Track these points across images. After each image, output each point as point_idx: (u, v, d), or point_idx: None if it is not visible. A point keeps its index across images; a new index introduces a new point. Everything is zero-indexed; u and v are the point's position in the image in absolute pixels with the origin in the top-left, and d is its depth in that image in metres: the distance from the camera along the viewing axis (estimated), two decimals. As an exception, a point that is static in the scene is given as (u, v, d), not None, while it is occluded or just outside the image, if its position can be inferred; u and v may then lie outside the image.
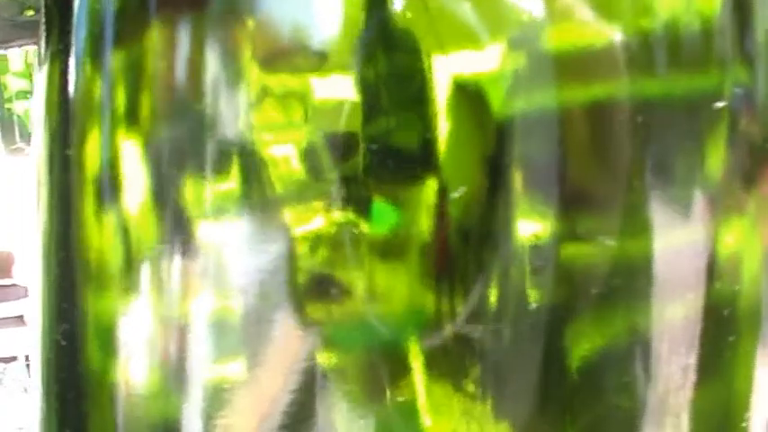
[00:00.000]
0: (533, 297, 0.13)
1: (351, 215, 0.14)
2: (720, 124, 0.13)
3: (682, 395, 0.15)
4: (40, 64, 0.15)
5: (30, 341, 0.17)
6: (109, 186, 0.14)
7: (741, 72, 0.13)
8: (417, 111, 0.14)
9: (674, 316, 0.14)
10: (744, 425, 0.15)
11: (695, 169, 0.13)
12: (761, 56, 0.13)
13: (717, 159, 0.14)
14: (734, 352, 0.15)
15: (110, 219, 0.14)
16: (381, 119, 0.13)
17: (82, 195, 0.14)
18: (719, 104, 0.13)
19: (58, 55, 0.14)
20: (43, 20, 0.15)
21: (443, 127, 0.13)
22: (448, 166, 0.14)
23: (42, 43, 0.15)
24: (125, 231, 0.14)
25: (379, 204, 0.14)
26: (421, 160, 0.14)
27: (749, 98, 0.13)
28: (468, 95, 0.14)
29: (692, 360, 0.14)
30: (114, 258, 0.14)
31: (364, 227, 0.14)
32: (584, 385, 0.14)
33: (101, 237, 0.14)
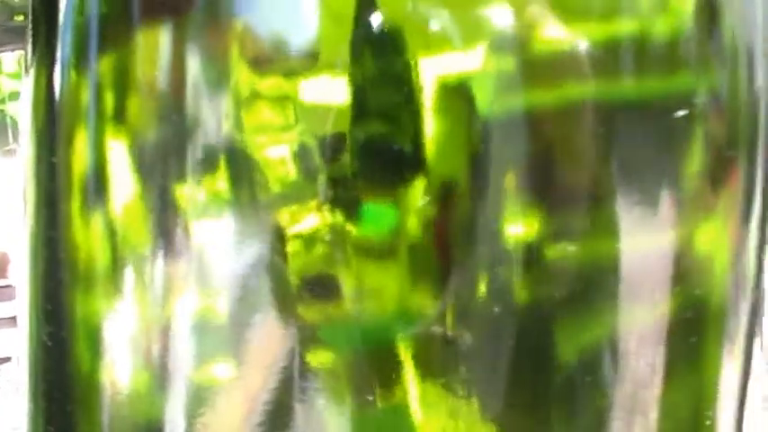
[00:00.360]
0: (519, 296, 0.14)
1: (340, 216, 0.14)
2: (690, 128, 0.14)
3: (650, 393, 0.15)
4: (26, 68, 0.15)
5: (18, 342, 0.17)
6: (95, 189, 0.14)
7: (710, 76, 0.13)
8: (404, 112, 0.14)
9: (645, 316, 0.15)
10: (708, 423, 0.15)
11: (666, 172, 0.14)
12: (727, 60, 0.13)
13: (687, 163, 0.14)
14: (700, 351, 0.15)
15: (96, 220, 0.14)
16: (369, 120, 0.14)
17: (68, 197, 0.14)
18: (688, 108, 0.13)
19: (45, 59, 0.14)
20: (30, 25, 0.15)
21: (430, 128, 0.14)
22: (435, 167, 0.14)
23: (29, 48, 0.15)
24: (111, 233, 0.14)
25: (369, 205, 0.14)
26: (408, 162, 0.14)
27: (717, 102, 0.14)
28: (454, 96, 0.14)
29: (662, 358, 0.15)
30: (100, 260, 0.14)
31: (353, 227, 0.14)
32: (567, 383, 0.14)
33: (87, 238, 0.14)
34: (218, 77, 0.14)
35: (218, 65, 0.14)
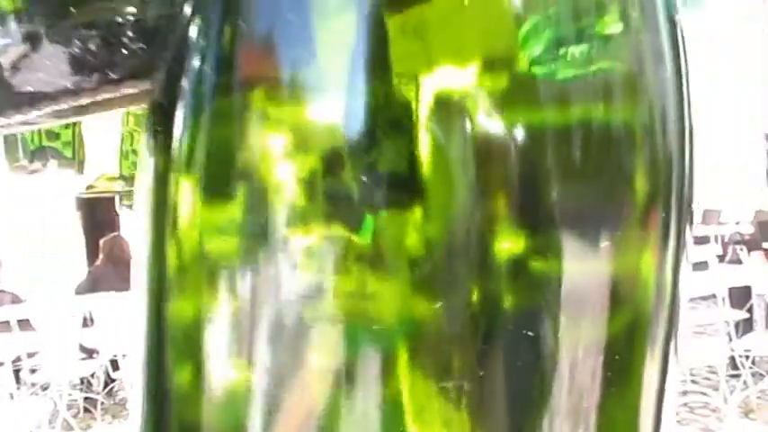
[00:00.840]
0: (507, 305, 0.16)
1: (344, 230, 0.16)
2: (625, 185, 0.17)
3: (596, 392, 0.18)
4: (149, 120, 0.18)
5: (135, 349, 0.20)
6: (175, 216, 0.17)
7: (638, 149, 0.17)
8: (404, 134, 0.16)
9: (594, 326, 0.18)
10: (639, 415, 0.18)
11: (609, 218, 0.17)
12: (650, 132, 0.17)
13: (625, 209, 0.17)
14: (635, 354, 0.18)
15: (177, 241, 0.17)
16: (371, 142, 0.16)
17: (164, 223, 0.17)
18: (624, 173, 0.16)
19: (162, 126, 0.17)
20: (151, 114, 0.18)
21: (427, 150, 0.16)
22: (432, 185, 0.16)
23: (151, 124, 0.18)
24: (189, 251, 0.17)
25: (371, 221, 0.16)
26: (407, 181, 0.16)
27: (644, 167, 0.17)
28: (451, 115, 0.16)
29: (606, 359, 0.18)
30: (190, 273, 0.18)
31: (357, 240, 0.16)
32: (543, 389, 0.17)
33: (176, 255, 0.17)
34: (244, 106, 0.16)
35: (243, 94, 0.16)
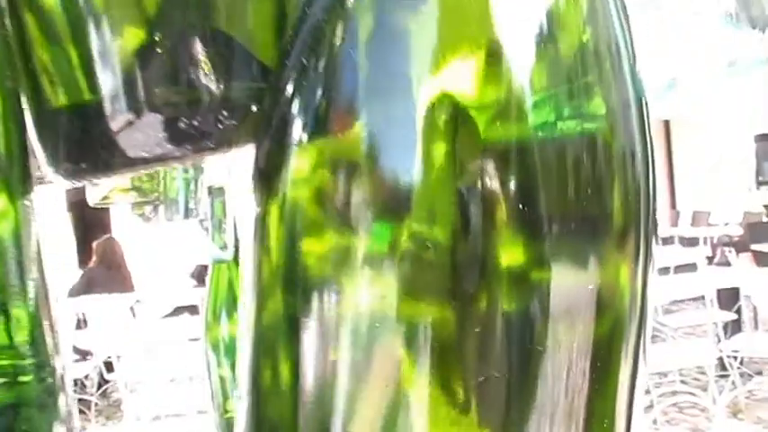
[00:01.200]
0: (506, 308, 0.19)
1: (354, 239, 0.20)
2: (611, 189, 0.20)
3: (581, 397, 0.21)
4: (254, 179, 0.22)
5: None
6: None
7: (622, 151, 0.20)
8: (409, 149, 0.19)
9: (581, 331, 0.21)
10: (615, 412, 0.21)
11: (595, 243, 0.20)
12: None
13: (608, 234, 0.20)
14: (613, 356, 0.21)
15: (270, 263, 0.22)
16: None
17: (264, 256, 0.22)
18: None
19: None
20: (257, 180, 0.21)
21: (428, 162, 0.19)
22: (431, 196, 0.19)
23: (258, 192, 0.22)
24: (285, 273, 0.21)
25: (378, 229, 0.20)
26: (409, 192, 0.19)
27: (625, 173, 0.20)
28: (457, 125, 0.19)
29: (591, 360, 0.21)
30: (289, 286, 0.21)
31: (366, 247, 0.20)
32: (530, 390, 0.20)
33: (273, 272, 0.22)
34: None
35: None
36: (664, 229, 6.96)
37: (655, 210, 0.21)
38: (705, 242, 6.09)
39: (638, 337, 0.22)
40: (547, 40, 0.20)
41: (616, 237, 0.21)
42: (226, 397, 0.56)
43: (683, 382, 3.61)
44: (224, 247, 0.55)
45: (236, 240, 0.55)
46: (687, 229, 6.88)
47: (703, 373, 3.52)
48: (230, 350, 0.56)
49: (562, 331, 0.20)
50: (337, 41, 0.20)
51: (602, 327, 0.21)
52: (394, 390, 0.20)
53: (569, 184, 0.20)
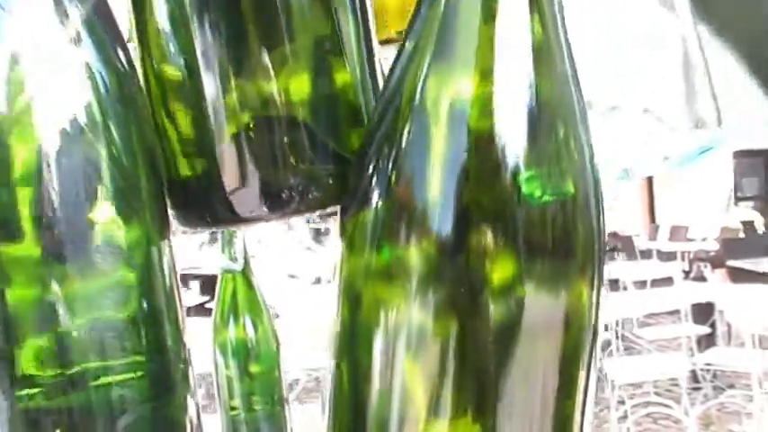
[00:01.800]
0: (495, 320, 0.25)
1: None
2: (575, 229, 0.26)
3: (550, 404, 0.26)
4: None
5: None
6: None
7: (585, 201, 0.26)
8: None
9: (550, 345, 0.26)
10: (578, 415, 0.27)
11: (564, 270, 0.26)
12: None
13: (576, 248, 0.26)
14: (575, 366, 0.27)
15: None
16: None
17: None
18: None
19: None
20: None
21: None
22: (432, 211, 0.25)
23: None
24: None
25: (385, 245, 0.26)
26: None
27: (585, 218, 0.26)
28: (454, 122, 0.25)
29: (559, 370, 0.26)
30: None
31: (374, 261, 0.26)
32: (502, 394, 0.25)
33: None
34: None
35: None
36: (642, 242, 6.99)
37: (605, 243, 0.27)
38: (683, 257, 6.12)
39: (592, 349, 0.28)
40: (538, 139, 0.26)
41: (580, 263, 0.27)
42: (231, 396, 0.61)
43: (656, 393, 3.65)
44: (233, 259, 0.61)
45: (245, 252, 0.61)
46: (665, 244, 6.90)
47: (677, 385, 3.57)
48: (236, 352, 0.62)
49: (538, 344, 0.26)
50: (404, 141, 0.25)
51: (568, 338, 0.27)
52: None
53: (548, 231, 0.26)
